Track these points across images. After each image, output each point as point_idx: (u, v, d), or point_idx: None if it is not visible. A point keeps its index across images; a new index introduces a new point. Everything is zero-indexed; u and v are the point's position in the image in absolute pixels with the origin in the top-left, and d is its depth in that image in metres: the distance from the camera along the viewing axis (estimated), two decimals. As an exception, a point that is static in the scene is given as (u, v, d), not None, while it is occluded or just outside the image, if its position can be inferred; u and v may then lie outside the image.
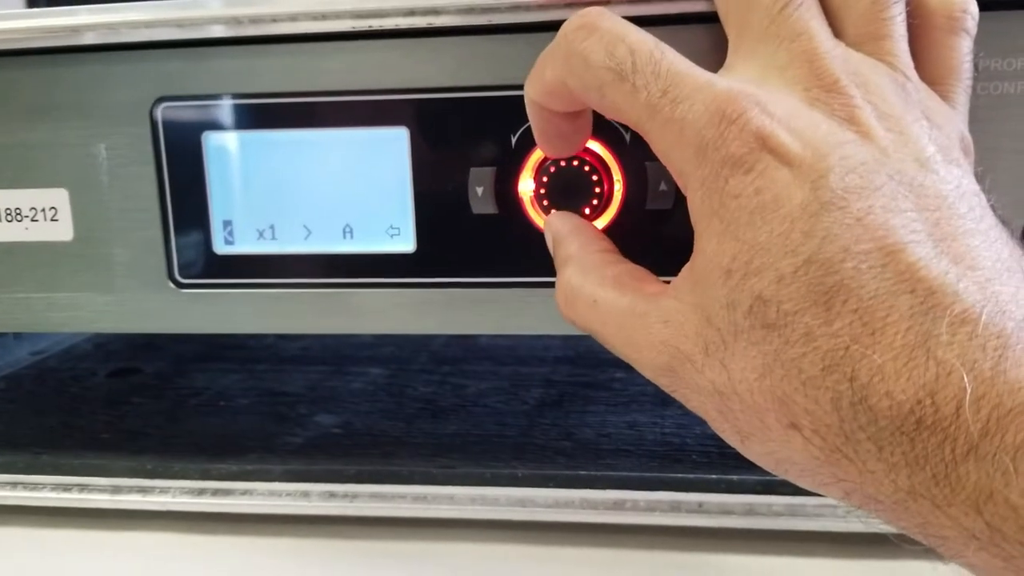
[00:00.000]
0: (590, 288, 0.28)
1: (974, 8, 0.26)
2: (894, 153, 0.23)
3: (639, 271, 0.28)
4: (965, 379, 0.19)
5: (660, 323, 0.25)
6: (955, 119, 0.25)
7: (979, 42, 0.27)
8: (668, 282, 0.26)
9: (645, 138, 0.25)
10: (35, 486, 0.39)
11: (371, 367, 0.53)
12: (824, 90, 0.24)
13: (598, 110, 0.27)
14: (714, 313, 0.23)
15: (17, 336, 0.57)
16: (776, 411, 0.22)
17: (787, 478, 0.25)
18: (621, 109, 0.25)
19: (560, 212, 0.32)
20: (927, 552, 0.22)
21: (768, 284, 0.22)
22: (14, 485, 0.39)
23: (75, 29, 0.34)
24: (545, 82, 0.28)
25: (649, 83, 0.24)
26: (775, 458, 0.24)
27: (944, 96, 0.26)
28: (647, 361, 0.26)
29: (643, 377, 0.27)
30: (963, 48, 0.26)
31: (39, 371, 0.55)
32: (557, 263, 0.30)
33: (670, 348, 0.25)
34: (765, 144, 0.23)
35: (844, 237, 0.21)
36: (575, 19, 0.26)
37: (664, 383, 0.26)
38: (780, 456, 0.24)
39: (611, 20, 0.26)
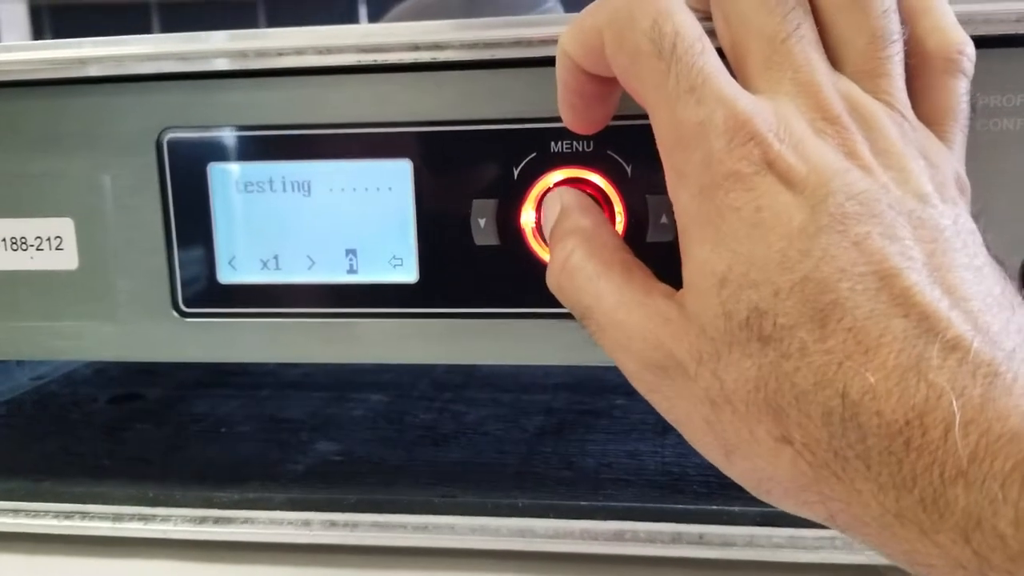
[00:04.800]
0: (595, 264, 0.27)
1: (971, 50, 0.26)
2: (895, 189, 0.23)
3: (649, 270, 0.28)
4: (954, 404, 0.20)
5: (661, 318, 0.25)
6: (951, 159, 0.25)
7: (979, 79, 0.27)
8: None
9: (652, 122, 0.25)
10: (36, 513, 0.39)
11: (372, 394, 0.53)
12: (828, 122, 0.24)
13: (619, 75, 0.26)
14: (708, 323, 0.23)
15: (19, 361, 0.57)
16: (769, 423, 0.23)
17: (767, 499, 0.25)
18: (644, 84, 0.25)
19: (572, 187, 0.32)
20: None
21: (765, 296, 0.22)
22: (15, 512, 0.39)
23: (81, 61, 0.35)
24: (583, 29, 0.27)
25: (681, 73, 0.24)
26: (758, 476, 0.24)
27: (940, 136, 0.26)
28: (636, 351, 0.26)
29: (644, 405, 0.27)
30: (960, 89, 0.26)
31: (40, 396, 0.55)
32: (560, 231, 0.29)
33: (665, 349, 0.25)
34: (772, 167, 0.23)
35: (841, 259, 0.22)
36: None
37: (648, 378, 0.26)
38: (764, 474, 0.24)
39: None
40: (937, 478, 0.20)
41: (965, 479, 0.19)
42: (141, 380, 0.57)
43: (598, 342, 0.27)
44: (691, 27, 0.25)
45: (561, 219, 0.30)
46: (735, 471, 0.25)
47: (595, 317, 0.27)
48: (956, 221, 0.23)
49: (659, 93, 0.25)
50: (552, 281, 0.29)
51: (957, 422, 0.19)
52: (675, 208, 0.25)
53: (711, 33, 0.26)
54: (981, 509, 0.19)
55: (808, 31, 0.25)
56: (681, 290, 0.25)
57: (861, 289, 0.21)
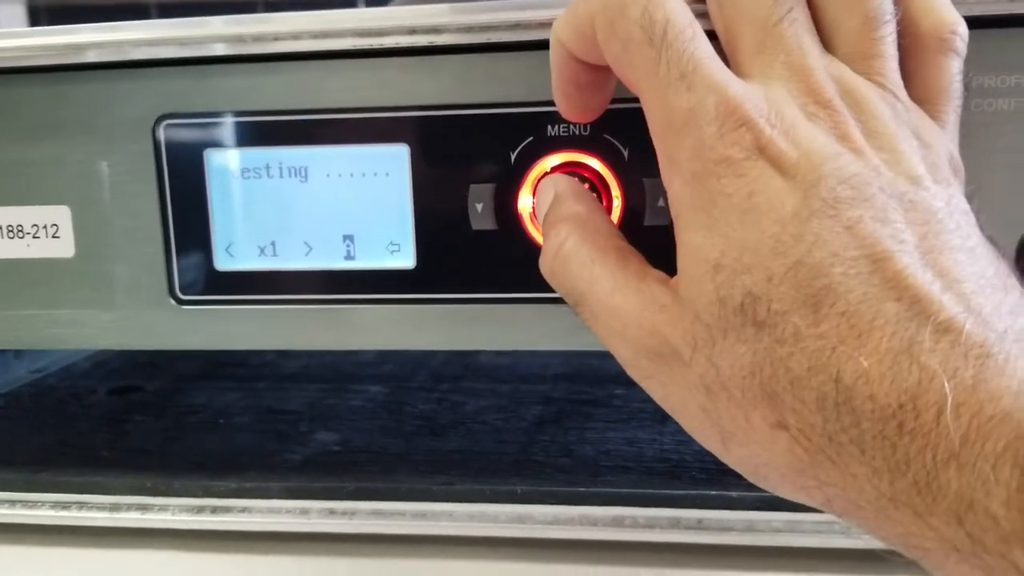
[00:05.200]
0: (589, 250, 0.27)
1: (964, 29, 0.26)
2: (887, 171, 0.23)
3: (643, 257, 0.28)
4: (946, 386, 0.20)
5: (657, 305, 0.25)
6: (944, 139, 0.25)
7: (974, 59, 0.27)
8: None
9: (644, 109, 0.25)
10: (34, 504, 0.39)
11: (370, 384, 0.53)
12: (820, 106, 0.24)
13: (611, 62, 0.26)
14: (702, 309, 0.23)
15: (17, 354, 0.57)
16: (764, 409, 0.23)
17: (764, 485, 0.25)
18: (636, 72, 0.25)
19: (566, 174, 0.32)
20: (921, 569, 0.22)
21: (758, 281, 0.22)
22: (12, 503, 0.39)
23: (78, 47, 0.35)
24: (576, 16, 0.27)
25: (671, 60, 0.24)
26: (755, 462, 0.24)
27: (934, 116, 0.26)
28: (631, 338, 0.26)
29: (642, 394, 0.27)
30: (953, 69, 0.26)
31: (38, 389, 0.55)
32: (554, 218, 0.29)
33: (659, 336, 0.25)
34: (764, 152, 0.23)
35: (833, 243, 0.22)
36: None
37: (643, 365, 0.26)
38: (761, 460, 0.24)
39: None
40: (930, 461, 0.20)
41: (957, 461, 0.19)
42: (140, 372, 0.57)
43: (592, 329, 0.27)
44: (681, 14, 0.25)
45: (555, 206, 0.30)
46: (732, 458, 0.25)
47: (589, 304, 0.27)
48: (949, 202, 0.23)
49: (651, 80, 0.25)
50: (545, 267, 0.29)
51: (949, 404, 0.19)
52: (668, 195, 0.25)
53: (704, 17, 0.26)
54: (973, 491, 0.19)
55: (800, 14, 0.25)
56: (675, 276, 0.25)
57: (854, 273, 0.21)
